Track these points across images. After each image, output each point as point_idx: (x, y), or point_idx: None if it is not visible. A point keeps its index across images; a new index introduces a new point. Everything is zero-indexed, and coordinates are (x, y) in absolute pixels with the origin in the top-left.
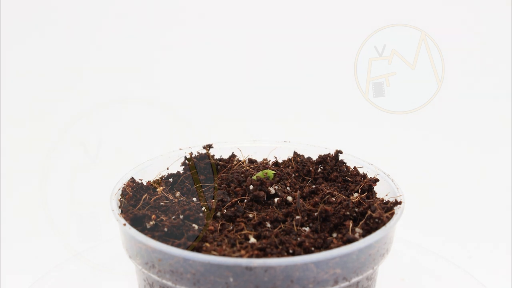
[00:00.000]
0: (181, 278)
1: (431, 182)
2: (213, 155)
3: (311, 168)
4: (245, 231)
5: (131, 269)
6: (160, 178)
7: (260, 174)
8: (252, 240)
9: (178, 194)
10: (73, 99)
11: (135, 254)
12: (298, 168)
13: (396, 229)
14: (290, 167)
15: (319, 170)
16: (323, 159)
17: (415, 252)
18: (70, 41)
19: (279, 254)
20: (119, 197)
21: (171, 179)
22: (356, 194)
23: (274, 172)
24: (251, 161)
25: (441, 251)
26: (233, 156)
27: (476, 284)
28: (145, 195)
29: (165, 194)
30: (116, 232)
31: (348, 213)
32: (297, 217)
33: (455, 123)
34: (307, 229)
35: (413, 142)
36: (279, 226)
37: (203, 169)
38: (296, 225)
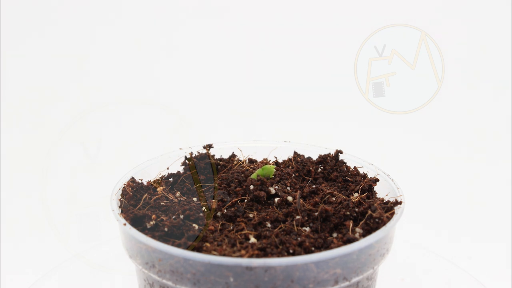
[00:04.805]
0: (181, 278)
1: (431, 182)
2: (213, 155)
3: (311, 168)
4: (245, 231)
5: (131, 269)
6: (160, 178)
7: (259, 172)
8: (252, 240)
9: (178, 194)
10: (73, 99)
11: (135, 254)
12: (298, 168)
13: (396, 229)
14: (290, 167)
15: (319, 170)
16: (323, 159)
17: (415, 252)
18: (71, 40)
19: (279, 254)
20: (119, 197)
21: (171, 179)
22: (356, 194)
23: (275, 167)
24: (251, 161)
25: (441, 251)
26: (233, 156)
27: (476, 284)
28: (145, 195)
29: (165, 194)
30: (116, 232)
31: (348, 213)
32: (297, 217)
33: (455, 123)
34: (307, 229)
35: (413, 142)
36: (279, 226)
37: (203, 169)
38: (296, 225)
